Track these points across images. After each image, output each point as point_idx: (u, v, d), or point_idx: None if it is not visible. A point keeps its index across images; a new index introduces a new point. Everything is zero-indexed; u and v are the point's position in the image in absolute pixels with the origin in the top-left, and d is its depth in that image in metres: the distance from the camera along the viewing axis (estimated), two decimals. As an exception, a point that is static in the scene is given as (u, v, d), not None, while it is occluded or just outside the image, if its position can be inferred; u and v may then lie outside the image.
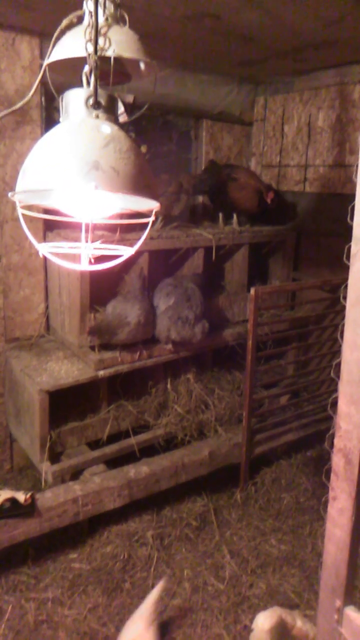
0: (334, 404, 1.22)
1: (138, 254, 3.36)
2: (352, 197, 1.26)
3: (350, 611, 1.19)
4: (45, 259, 3.44)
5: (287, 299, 4.32)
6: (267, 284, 4.35)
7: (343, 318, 1.21)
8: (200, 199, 4.38)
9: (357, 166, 1.04)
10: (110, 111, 1.40)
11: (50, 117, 3.31)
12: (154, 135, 4.10)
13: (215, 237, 3.66)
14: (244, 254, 3.96)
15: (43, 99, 3.25)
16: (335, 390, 1.22)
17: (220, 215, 4.00)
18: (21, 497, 2.59)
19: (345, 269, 1.27)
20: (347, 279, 1.25)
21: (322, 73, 4.01)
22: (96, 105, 1.38)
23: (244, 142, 4.62)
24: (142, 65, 1.72)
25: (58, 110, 1.48)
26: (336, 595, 1.22)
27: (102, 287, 3.32)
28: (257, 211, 4.02)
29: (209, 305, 3.60)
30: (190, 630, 2.41)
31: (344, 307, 1.23)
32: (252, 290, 3.16)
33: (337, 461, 1.17)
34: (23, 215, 1.44)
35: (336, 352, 3.73)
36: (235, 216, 4.01)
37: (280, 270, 4.38)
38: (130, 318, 3.07)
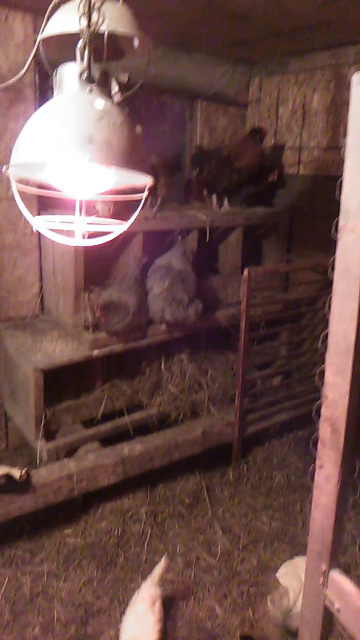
0: (322, 375, 1.25)
1: (132, 235, 3.36)
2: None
3: (334, 574, 1.24)
4: (39, 238, 3.44)
5: (281, 280, 4.34)
6: (261, 266, 4.37)
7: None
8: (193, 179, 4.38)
9: (345, 141, 1.05)
10: (103, 86, 1.41)
11: (44, 96, 3.29)
12: (148, 116, 4.08)
13: (209, 218, 3.67)
14: (238, 236, 3.97)
15: (37, 77, 3.22)
16: (324, 362, 1.25)
17: (214, 196, 4.01)
18: (17, 473, 2.62)
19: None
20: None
21: (317, 54, 3.99)
22: (90, 79, 1.38)
23: (238, 124, 4.61)
24: (135, 42, 1.73)
25: (52, 89, 1.48)
26: (322, 560, 1.26)
27: (96, 268, 3.34)
28: (258, 170, 4.12)
29: (203, 286, 3.62)
30: (183, 603, 2.47)
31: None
32: (245, 272, 3.18)
33: (324, 430, 1.20)
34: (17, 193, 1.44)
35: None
36: (226, 200, 4.01)
37: (274, 253, 4.40)
38: (128, 306, 3.08)
